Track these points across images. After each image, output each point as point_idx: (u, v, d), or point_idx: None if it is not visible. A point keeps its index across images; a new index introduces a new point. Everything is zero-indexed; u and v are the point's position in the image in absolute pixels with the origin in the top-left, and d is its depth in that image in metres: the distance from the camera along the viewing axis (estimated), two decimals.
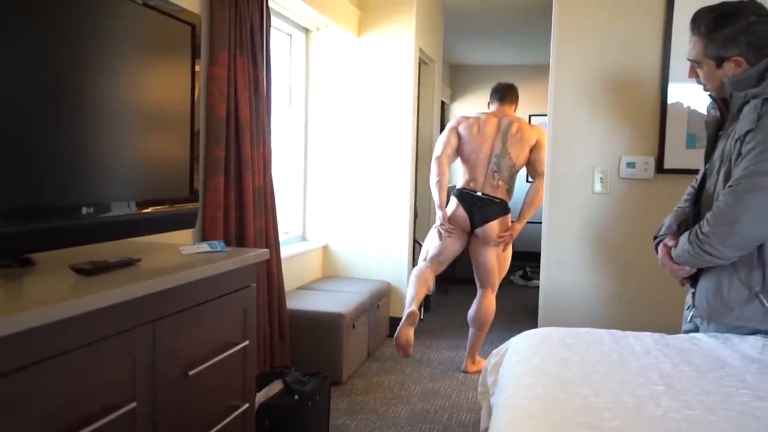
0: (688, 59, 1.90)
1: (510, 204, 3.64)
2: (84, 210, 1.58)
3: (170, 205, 1.95)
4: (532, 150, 3.54)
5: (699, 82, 1.91)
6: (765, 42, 1.76)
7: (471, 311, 3.65)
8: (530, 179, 3.70)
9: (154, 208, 1.87)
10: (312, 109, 4.24)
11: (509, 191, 3.58)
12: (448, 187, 3.69)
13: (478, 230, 3.52)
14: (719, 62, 1.81)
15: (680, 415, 1.30)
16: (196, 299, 1.70)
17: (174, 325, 1.60)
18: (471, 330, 3.66)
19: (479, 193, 3.51)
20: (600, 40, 2.90)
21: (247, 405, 1.98)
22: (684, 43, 2.63)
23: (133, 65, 1.77)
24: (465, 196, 3.54)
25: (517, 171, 3.58)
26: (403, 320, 3.41)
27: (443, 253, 3.59)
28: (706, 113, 2.05)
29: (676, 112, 2.79)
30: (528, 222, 6.96)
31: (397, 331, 3.38)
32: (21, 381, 1.13)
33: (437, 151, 3.59)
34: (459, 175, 3.68)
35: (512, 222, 3.62)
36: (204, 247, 1.96)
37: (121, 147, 1.75)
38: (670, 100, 2.79)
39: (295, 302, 3.48)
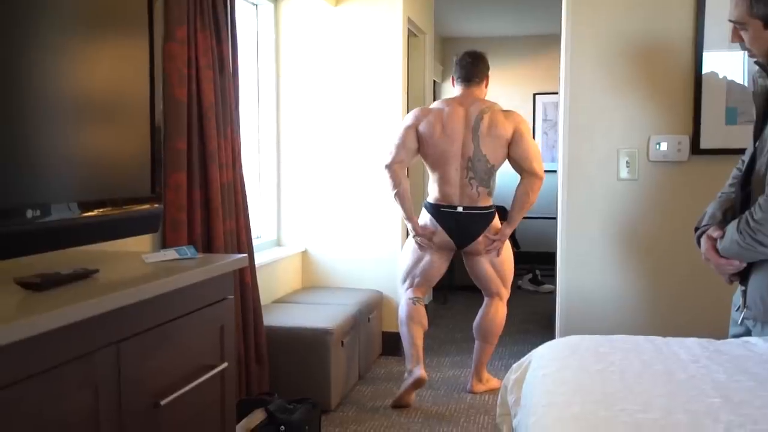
0: (731, 20, 1.91)
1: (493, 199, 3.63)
2: (29, 213, 1.56)
3: (130, 206, 1.95)
4: (510, 144, 3.45)
5: (743, 47, 1.94)
6: None
7: (476, 321, 3.67)
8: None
9: (112, 209, 1.87)
10: (284, 90, 4.27)
11: (491, 193, 3.55)
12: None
13: (470, 247, 3.52)
14: (767, 22, 1.82)
15: (744, 431, 1.31)
16: (166, 315, 1.71)
17: (141, 347, 1.61)
18: (477, 343, 3.68)
19: (459, 209, 3.46)
20: (621, 4, 2.92)
21: None
22: (720, 3, 2.69)
23: (80, 43, 1.77)
24: (443, 214, 3.48)
25: (496, 170, 3.52)
26: (407, 385, 3.45)
27: (427, 276, 3.61)
28: (748, 84, 2.07)
29: (712, 84, 2.81)
30: (536, 217, 7.03)
31: (398, 395, 3.45)
32: None
33: (387, 157, 3.46)
34: (429, 186, 3.63)
35: (501, 224, 3.60)
36: (171, 254, 1.98)
37: (70, 139, 1.75)
38: (704, 70, 2.82)
39: (273, 318, 3.50)
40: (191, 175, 2.75)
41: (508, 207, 3.66)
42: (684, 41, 2.86)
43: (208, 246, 2.85)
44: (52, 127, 1.68)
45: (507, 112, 3.52)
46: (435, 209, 3.51)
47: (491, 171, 3.48)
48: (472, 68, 3.61)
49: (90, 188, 1.82)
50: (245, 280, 3.07)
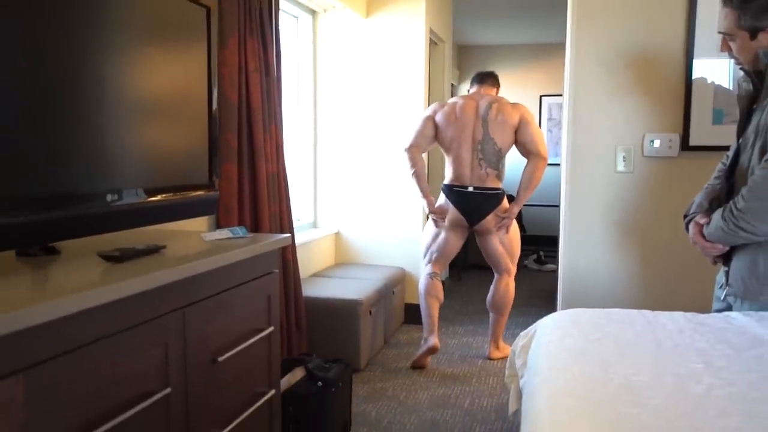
0: (720, 32, 1.91)
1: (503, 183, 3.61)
2: (108, 197, 1.61)
3: (190, 192, 1.97)
4: (517, 130, 3.45)
5: (731, 56, 1.93)
6: None
7: (489, 296, 3.67)
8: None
9: (175, 195, 1.89)
10: (321, 92, 4.27)
11: (499, 176, 3.52)
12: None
13: (477, 226, 3.50)
14: (753, 33, 1.82)
15: (723, 392, 1.34)
16: (223, 285, 1.74)
17: (203, 312, 1.64)
18: (491, 316, 3.68)
19: (470, 188, 3.45)
20: (620, 14, 2.90)
21: (273, 392, 2.03)
22: (708, 15, 2.67)
23: (152, 51, 1.78)
24: (456, 193, 3.48)
25: (504, 155, 3.50)
26: (422, 350, 3.51)
27: (444, 252, 3.58)
28: (732, 88, 2.06)
29: (701, 88, 2.80)
30: (540, 205, 7.02)
31: (416, 358, 3.53)
32: (58, 368, 1.16)
33: (407, 141, 3.51)
34: (445, 169, 3.63)
35: (509, 204, 3.56)
36: (225, 233, 2.00)
37: (142, 133, 1.77)
38: (694, 76, 2.81)
39: (310, 290, 3.53)
40: (241, 166, 2.77)
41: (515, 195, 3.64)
42: (676, 50, 2.84)
43: (255, 227, 2.88)
44: (126, 124, 1.70)
45: (514, 104, 3.52)
46: (448, 189, 3.51)
47: (499, 154, 3.46)
48: (485, 76, 3.65)
49: (156, 176, 1.83)
50: (287, 257, 3.11)
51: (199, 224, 2.67)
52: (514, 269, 3.64)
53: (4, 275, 1.36)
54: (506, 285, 3.61)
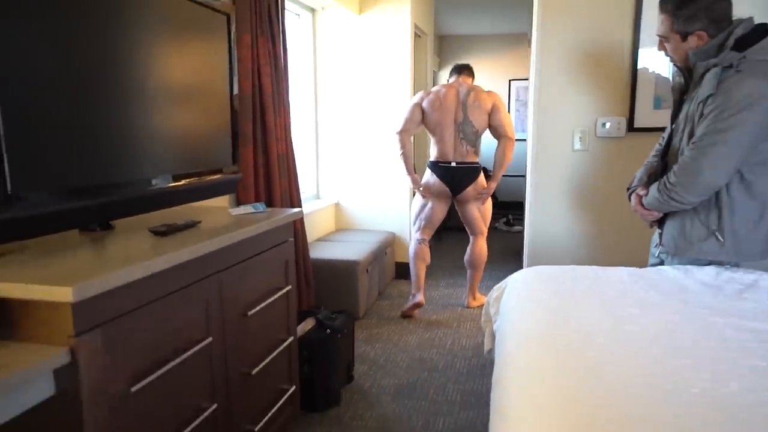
0: (658, 35, 1.93)
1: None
2: (153, 182, 1.65)
3: (219, 174, 1.99)
4: (490, 115, 3.49)
5: (666, 54, 1.95)
6: (723, 18, 1.80)
7: (466, 255, 3.72)
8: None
9: (209, 177, 1.92)
10: (320, 80, 4.22)
11: (477, 152, 3.56)
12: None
13: (459, 195, 3.55)
14: (684, 36, 1.84)
15: (654, 333, 1.43)
16: (249, 253, 1.79)
17: (234, 275, 1.70)
18: (468, 271, 3.74)
19: (453, 163, 3.49)
20: (578, 13, 2.88)
21: (291, 338, 2.11)
22: (651, 17, 2.70)
23: (183, 52, 1.78)
24: (440, 168, 3.52)
25: (480, 135, 3.54)
26: (410, 304, 3.59)
27: (431, 220, 3.63)
28: (670, 79, 2.09)
29: (644, 78, 2.81)
30: (509, 176, 7.07)
31: (405, 309, 3.59)
32: (127, 323, 1.25)
33: (399, 126, 3.53)
34: (430, 148, 3.65)
35: (486, 181, 3.62)
36: (248, 209, 2.04)
37: (178, 125, 1.78)
38: (639, 67, 2.81)
39: (316, 252, 3.55)
40: (255, 149, 2.76)
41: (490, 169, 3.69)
42: (624, 45, 2.84)
43: (268, 201, 2.88)
44: (164, 118, 1.70)
45: (488, 92, 3.54)
46: (434, 165, 3.54)
47: (476, 134, 3.50)
48: (463, 68, 3.66)
49: (190, 162, 1.84)
50: (296, 225, 3.10)
51: (221, 200, 2.67)
52: (485, 231, 3.71)
53: (71, 247, 1.42)
54: (481, 245, 3.67)
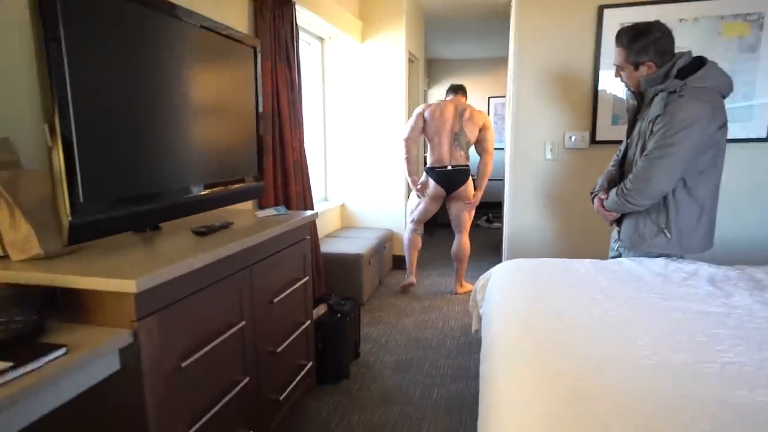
0: (615, 64, 1.97)
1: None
2: (192, 190, 1.67)
3: (247, 182, 2.01)
4: (480, 131, 3.55)
5: (622, 81, 2.00)
6: (667, 51, 1.85)
7: (453, 250, 3.75)
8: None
9: (239, 185, 1.94)
10: (329, 98, 4.24)
11: (467, 158, 3.61)
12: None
13: (453, 193, 3.59)
14: (636, 66, 1.89)
15: (615, 314, 1.49)
16: (274, 249, 1.81)
17: (262, 269, 1.72)
18: (455, 263, 3.78)
19: (449, 167, 3.53)
20: (548, 41, 2.91)
21: (308, 321, 2.13)
22: (609, 46, 2.74)
23: (219, 79, 1.80)
24: (437, 173, 3.56)
25: (470, 145, 3.59)
26: (404, 283, 3.76)
27: (425, 214, 3.69)
28: (625, 100, 2.13)
29: (604, 98, 2.84)
30: (490, 180, 7.14)
31: (402, 285, 3.77)
32: (177, 309, 1.28)
33: (405, 133, 3.59)
34: (428, 154, 3.67)
35: (474, 187, 3.67)
36: (272, 211, 2.06)
37: (215, 140, 1.80)
38: (599, 89, 2.84)
39: (325, 247, 3.56)
40: (275, 158, 2.77)
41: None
42: (587, 70, 2.86)
43: (285, 203, 2.88)
44: (203, 135, 1.71)
45: (479, 111, 3.60)
46: (431, 170, 3.58)
47: (468, 143, 3.55)
48: (458, 88, 3.71)
49: (224, 172, 1.85)
50: (310, 224, 3.18)
51: (245, 204, 2.68)
52: (468, 229, 3.75)
53: (127, 246, 1.44)
54: (464, 241, 3.71)
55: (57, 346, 1.01)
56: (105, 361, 1.11)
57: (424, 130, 3.61)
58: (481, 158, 3.60)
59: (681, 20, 2.61)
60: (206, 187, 1.74)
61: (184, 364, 1.30)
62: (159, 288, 1.21)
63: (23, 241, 1.20)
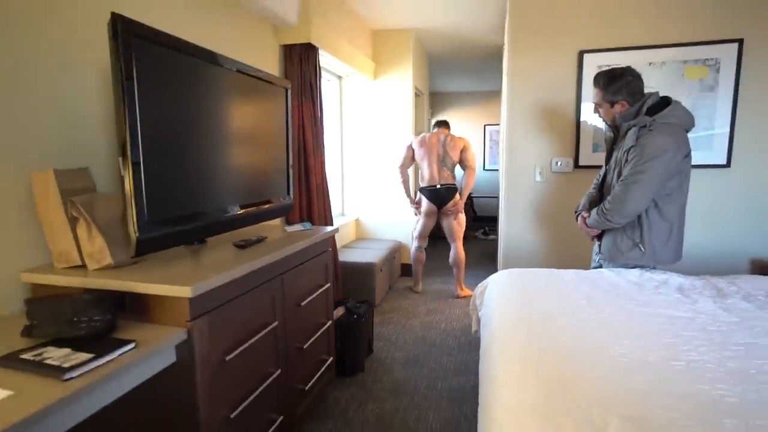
0: (593, 102, 2.01)
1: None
2: (232, 210, 1.71)
3: (279, 202, 2.04)
4: (461, 152, 3.68)
5: (600, 116, 2.03)
6: (638, 91, 1.89)
7: (450, 259, 3.79)
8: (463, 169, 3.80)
9: (271, 204, 1.98)
10: (345, 128, 4.29)
11: (454, 177, 3.73)
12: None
13: (443, 209, 3.70)
14: (612, 104, 1.93)
15: (596, 318, 1.51)
16: (302, 260, 1.85)
17: (292, 276, 1.77)
18: (454, 270, 3.82)
19: (438, 185, 3.66)
20: (537, 80, 2.93)
21: (329, 322, 2.16)
22: (589, 86, 2.77)
23: (256, 113, 1.86)
24: (428, 191, 3.70)
25: (455, 165, 3.71)
26: (413, 288, 3.89)
27: (423, 229, 3.79)
28: (604, 133, 2.16)
29: (585, 129, 2.85)
30: (486, 197, 7.10)
31: (412, 288, 3.85)
32: (222, 311, 1.34)
33: (399, 161, 3.78)
34: (420, 177, 3.79)
35: (458, 198, 3.76)
36: (299, 227, 2.11)
37: (254, 166, 1.85)
38: (582, 119, 2.86)
39: (343, 256, 3.58)
40: (300, 181, 2.82)
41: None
42: (571, 105, 2.87)
43: (308, 218, 2.91)
44: (242, 160, 1.75)
45: (459, 137, 3.72)
46: (423, 189, 3.71)
47: (453, 164, 3.68)
48: (441, 123, 3.85)
49: (259, 193, 1.89)
50: (330, 237, 3.21)
51: (276, 220, 2.71)
52: (461, 238, 3.81)
53: (179, 258, 1.49)
54: (459, 249, 3.76)
55: (127, 342, 1.07)
56: (164, 355, 1.18)
57: (413, 158, 3.78)
58: (464, 173, 3.73)
59: (650, 64, 2.66)
60: (245, 207, 1.78)
61: (227, 358, 1.35)
62: (208, 293, 1.26)
63: (98, 253, 1.27)
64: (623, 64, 2.33)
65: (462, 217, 3.82)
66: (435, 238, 5.86)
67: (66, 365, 0.92)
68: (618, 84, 1.89)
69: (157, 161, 1.32)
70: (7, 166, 1.26)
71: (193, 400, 1.23)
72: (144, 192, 1.25)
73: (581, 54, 2.82)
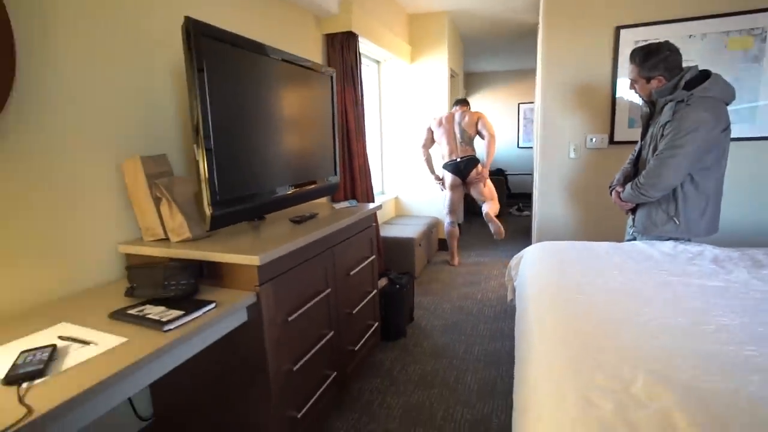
0: (629, 78, 1.96)
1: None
2: (286, 189, 1.78)
3: (326, 181, 2.10)
4: (477, 124, 3.64)
5: (636, 92, 1.98)
6: (675, 66, 1.84)
7: (483, 212, 3.79)
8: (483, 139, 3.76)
9: (320, 183, 2.04)
10: (384, 111, 4.31)
11: (473, 149, 3.71)
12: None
13: (468, 179, 3.71)
14: (648, 80, 1.88)
15: (627, 286, 1.51)
16: (350, 234, 1.92)
17: (341, 249, 1.84)
18: (490, 224, 3.80)
19: (458, 159, 3.67)
20: (572, 57, 2.86)
21: (374, 291, 2.24)
22: (626, 61, 2.69)
23: (306, 98, 1.92)
24: (450, 165, 3.71)
25: (472, 138, 3.69)
26: (450, 261, 3.90)
27: (454, 203, 3.80)
28: (640, 108, 2.09)
29: (621, 104, 2.78)
30: (520, 174, 6.96)
31: (449, 263, 3.88)
32: (284, 279, 1.43)
33: (421, 141, 3.81)
34: (441, 153, 3.78)
35: (481, 167, 3.73)
36: (346, 204, 2.20)
37: (304, 148, 1.91)
38: (617, 96, 2.78)
39: (384, 232, 3.64)
40: (344, 162, 2.89)
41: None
42: (606, 80, 2.80)
43: (352, 197, 2.97)
44: (296, 143, 1.81)
45: (474, 112, 3.70)
46: (446, 165, 3.73)
47: (471, 138, 3.67)
48: (459, 101, 3.81)
49: (310, 173, 1.94)
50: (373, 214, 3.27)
51: (323, 198, 2.76)
52: (495, 200, 3.77)
53: (243, 232, 1.59)
54: (491, 206, 3.76)
55: (209, 302, 1.20)
56: (238, 314, 1.30)
57: (433, 138, 3.81)
58: (485, 142, 3.69)
59: (690, 36, 2.53)
60: (297, 186, 1.86)
61: (289, 319, 1.46)
62: (273, 262, 1.36)
63: (179, 228, 1.41)
64: (661, 39, 2.24)
65: (490, 184, 3.80)
66: (471, 214, 5.85)
67: (164, 319, 1.06)
68: (654, 59, 1.84)
69: (223, 147, 1.41)
70: (104, 155, 1.40)
71: (263, 354, 1.36)
72: (216, 174, 1.37)
73: (618, 29, 2.72)
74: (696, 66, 1.83)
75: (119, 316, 1.08)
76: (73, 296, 1.28)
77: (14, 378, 0.80)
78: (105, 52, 1.40)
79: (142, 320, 1.06)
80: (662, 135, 1.83)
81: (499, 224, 3.81)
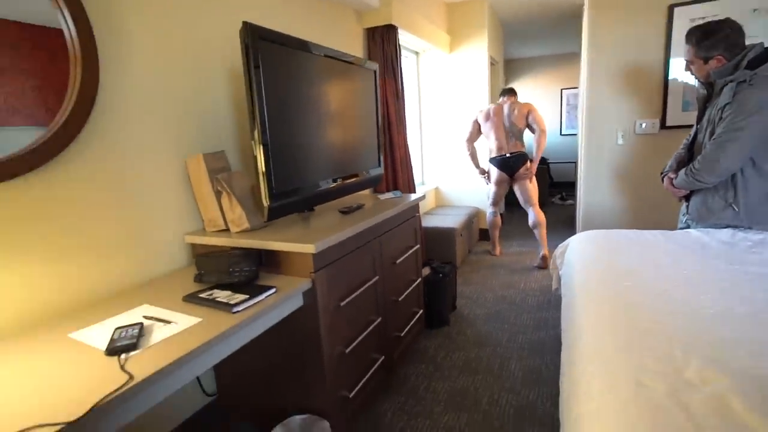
0: (685, 59, 1.89)
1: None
2: (338, 181, 1.85)
3: (370, 173, 2.15)
4: (527, 117, 3.50)
5: (692, 74, 1.91)
6: (737, 45, 1.75)
7: (530, 221, 3.65)
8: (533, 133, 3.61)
9: (364, 175, 2.10)
10: (424, 102, 4.31)
11: (522, 144, 3.58)
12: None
13: (516, 175, 3.58)
14: (706, 60, 1.81)
15: (681, 274, 1.49)
16: (395, 224, 1.97)
17: (388, 238, 1.89)
18: (535, 231, 3.67)
19: (507, 154, 3.55)
20: (620, 39, 2.77)
21: (419, 279, 2.28)
22: (679, 39, 2.58)
23: (353, 94, 1.97)
24: (498, 161, 3.59)
25: (523, 131, 3.55)
26: (491, 251, 3.87)
27: (497, 196, 3.73)
28: (696, 90, 2.01)
29: (674, 86, 2.68)
30: (563, 162, 6.79)
31: (490, 253, 3.85)
32: (336, 266, 1.50)
33: (465, 136, 3.72)
34: (489, 148, 3.67)
35: (530, 162, 3.59)
36: (390, 195, 2.24)
37: (350, 142, 1.96)
38: (670, 78, 2.68)
39: (425, 222, 3.66)
40: (386, 154, 2.93)
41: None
42: (658, 61, 2.70)
43: (394, 188, 3.00)
44: (343, 138, 1.86)
45: (524, 103, 3.55)
46: (493, 159, 3.61)
47: (520, 132, 3.54)
48: (507, 91, 3.67)
49: (356, 166, 1.99)
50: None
51: (366, 190, 2.82)
52: (537, 203, 3.66)
53: (295, 222, 1.67)
54: (537, 212, 3.62)
55: (269, 287, 1.29)
56: (295, 299, 1.38)
57: (479, 131, 3.69)
58: (535, 136, 3.54)
59: (754, 11, 2.38)
60: (344, 178, 1.91)
61: (341, 304, 1.53)
62: (325, 251, 1.44)
63: (238, 219, 1.51)
64: (720, 16, 2.12)
65: (534, 182, 3.68)
66: (512, 204, 5.78)
67: (232, 302, 1.16)
68: (713, 39, 1.76)
69: (278, 142, 1.49)
70: (169, 155, 1.52)
71: (317, 336, 1.44)
72: (272, 168, 1.45)
73: (671, 8, 2.61)
74: (761, 43, 1.73)
75: (192, 299, 1.19)
76: (149, 282, 1.41)
77: (114, 350, 0.92)
78: (167, 60, 1.51)
79: (213, 303, 1.16)
80: (721, 117, 1.76)
81: (545, 235, 3.68)
